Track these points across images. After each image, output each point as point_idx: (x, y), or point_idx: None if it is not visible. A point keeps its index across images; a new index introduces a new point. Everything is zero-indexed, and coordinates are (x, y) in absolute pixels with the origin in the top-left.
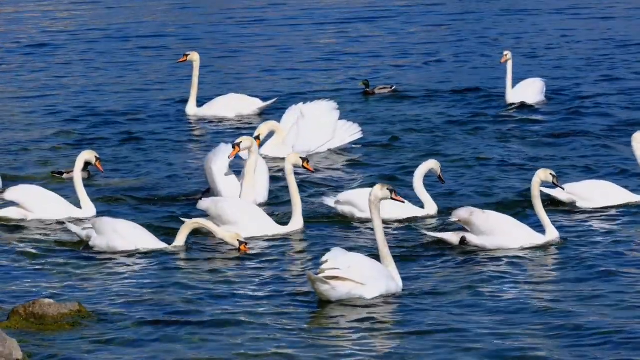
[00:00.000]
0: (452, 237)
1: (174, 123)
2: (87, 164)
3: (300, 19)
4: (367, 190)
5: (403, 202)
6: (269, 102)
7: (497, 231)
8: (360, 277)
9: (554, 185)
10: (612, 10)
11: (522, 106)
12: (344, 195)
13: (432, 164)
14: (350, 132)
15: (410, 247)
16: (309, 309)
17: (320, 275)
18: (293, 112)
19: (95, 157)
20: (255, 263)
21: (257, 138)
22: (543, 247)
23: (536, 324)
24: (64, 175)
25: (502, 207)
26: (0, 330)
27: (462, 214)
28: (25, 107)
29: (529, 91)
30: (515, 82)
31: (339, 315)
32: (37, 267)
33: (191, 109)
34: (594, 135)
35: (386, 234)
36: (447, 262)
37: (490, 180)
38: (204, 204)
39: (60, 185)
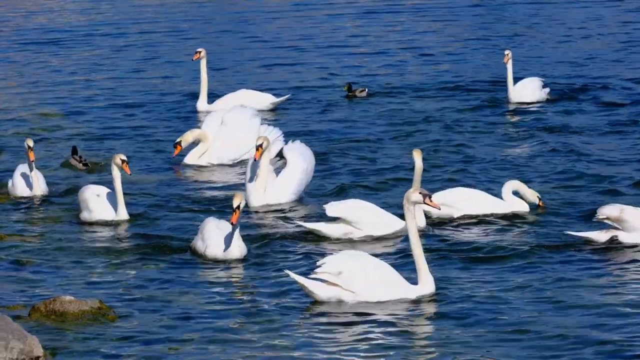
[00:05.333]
0: (600, 236)
1: (184, 119)
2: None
3: (312, 13)
4: (462, 190)
5: (439, 208)
6: (282, 98)
7: None
8: (350, 283)
9: None
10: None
11: (524, 104)
12: (439, 197)
13: (517, 185)
14: (272, 136)
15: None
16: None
17: (310, 277)
18: (213, 120)
19: (122, 159)
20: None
21: (179, 144)
22: None
23: None
24: (72, 161)
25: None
26: (20, 327)
27: (610, 211)
28: (37, 101)
29: (528, 89)
30: (517, 79)
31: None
32: (59, 265)
33: (202, 105)
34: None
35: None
36: (583, 260)
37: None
38: (336, 209)
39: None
